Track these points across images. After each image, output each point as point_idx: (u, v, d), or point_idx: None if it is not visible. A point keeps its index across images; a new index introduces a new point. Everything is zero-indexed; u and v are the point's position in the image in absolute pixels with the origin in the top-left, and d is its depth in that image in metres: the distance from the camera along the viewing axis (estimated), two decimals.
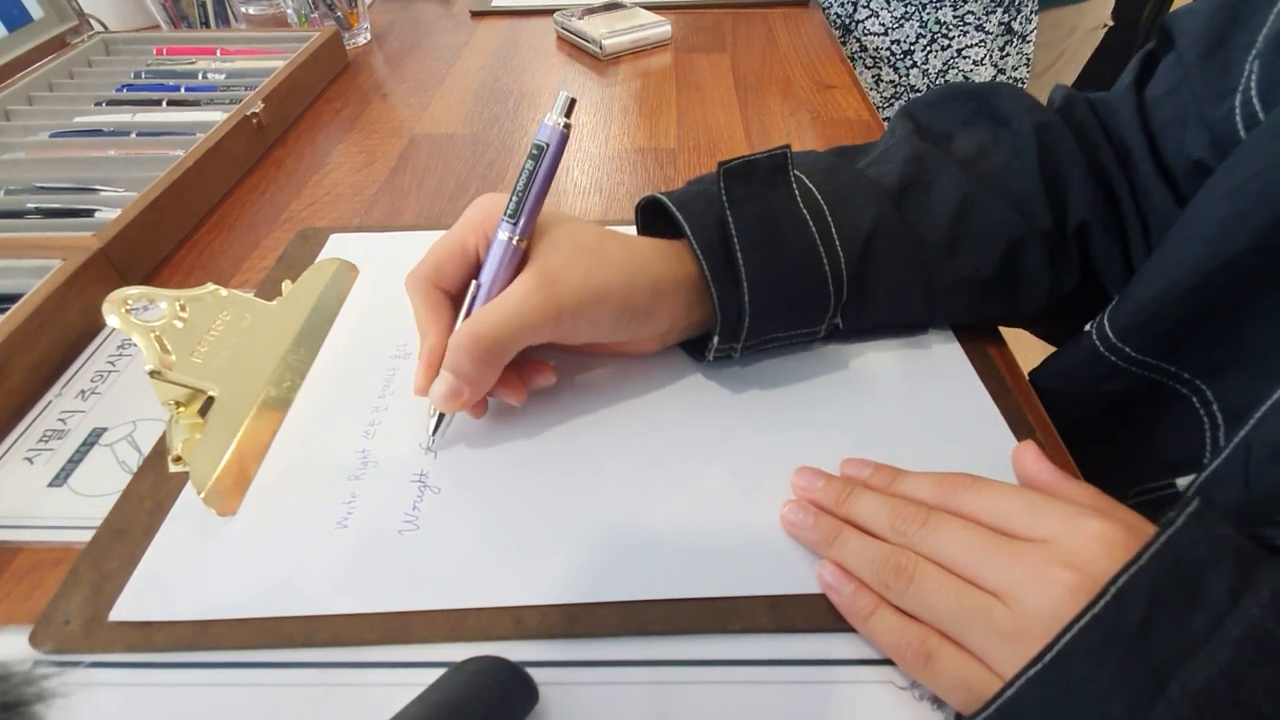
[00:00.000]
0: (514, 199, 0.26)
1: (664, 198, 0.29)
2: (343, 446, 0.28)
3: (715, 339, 0.28)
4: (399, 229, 0.41)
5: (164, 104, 0.52)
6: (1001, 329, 0.34)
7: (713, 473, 0.27)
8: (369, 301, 0.36)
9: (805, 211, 0.28)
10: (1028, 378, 0.32)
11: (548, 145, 0.26)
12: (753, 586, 0.23)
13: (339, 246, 0.39)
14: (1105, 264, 0.32)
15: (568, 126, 0.26)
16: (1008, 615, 0.19)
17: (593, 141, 0.52)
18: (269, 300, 0.33)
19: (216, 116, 0.48)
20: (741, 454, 0.28)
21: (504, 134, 0.53)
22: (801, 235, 0.28)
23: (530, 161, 0.26)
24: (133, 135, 0.48)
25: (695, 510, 0.26)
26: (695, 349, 0.31)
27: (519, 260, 0.26)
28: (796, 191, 0.29)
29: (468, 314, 0.27)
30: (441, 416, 0.28)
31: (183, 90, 0.54)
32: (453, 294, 0.28)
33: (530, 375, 0.29)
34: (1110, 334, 0.29)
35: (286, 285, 0.35)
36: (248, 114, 0.48)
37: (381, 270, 0.38)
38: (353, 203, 0.45)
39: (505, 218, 0.26)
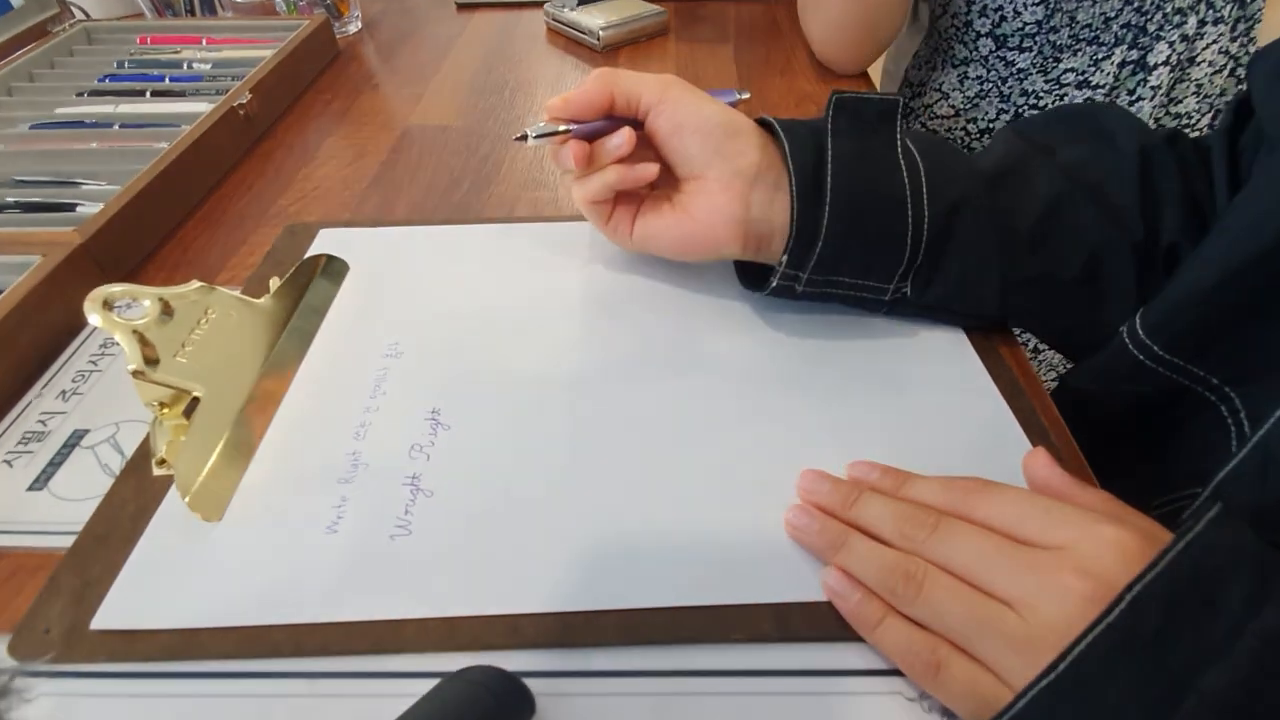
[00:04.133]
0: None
1: (769, 119, 0.31)
2: (333, 448, 0.28)
3: (784, 259, 0.29)
4: (391, 224, 0.41)
5: (148, 95, 0.52)
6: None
7: (715, 476, 0.27)
8: (360, 299, 0.36)
9: (902, 162, 0.29)
10: (1061, 380, 0.32)
11: None
12: (756, 594, 0.23)
13: (329, 242, 0.39)
14: None
15: None
16: (1020, 624, 0.19)
17: None
18: (256, 298, 0.33)
19: (202, 108, 0.48)
20: (745, 456, 0.28)
21: (499, 127, 0.53)
22: (892, 181, 0.29)
23: None
24: (116, 127, 0.47)
25: (697, 515, 0.26)
26: (756, 280, 0.33)
27: None
28: (899, 143, 0.30)
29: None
30: (539, 130, 0.31)
31: (167, 80, 0.54)
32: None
33: (635, 162, 0.32)
34: (1140, 330, 0.29)
35: (274, 282, 0.35)
36: (234, 105, 0.48)
37: (373, 266, 0.38)
38: (343, 197, 0.45)
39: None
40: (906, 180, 0.29)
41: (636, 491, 0.26)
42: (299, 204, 0.44)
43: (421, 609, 0.23)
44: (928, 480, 0.24)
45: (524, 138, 0.32)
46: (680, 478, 0.27)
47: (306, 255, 0.38)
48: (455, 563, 0.24)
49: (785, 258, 0.29)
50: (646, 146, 0.32)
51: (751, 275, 0.33)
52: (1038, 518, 0.21)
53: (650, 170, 0.32)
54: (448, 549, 0.25)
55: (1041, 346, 0.66)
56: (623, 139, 0.31)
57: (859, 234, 0.29)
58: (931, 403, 0.29)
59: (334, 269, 0.37)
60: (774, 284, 0.31)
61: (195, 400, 0.28)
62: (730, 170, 0.30)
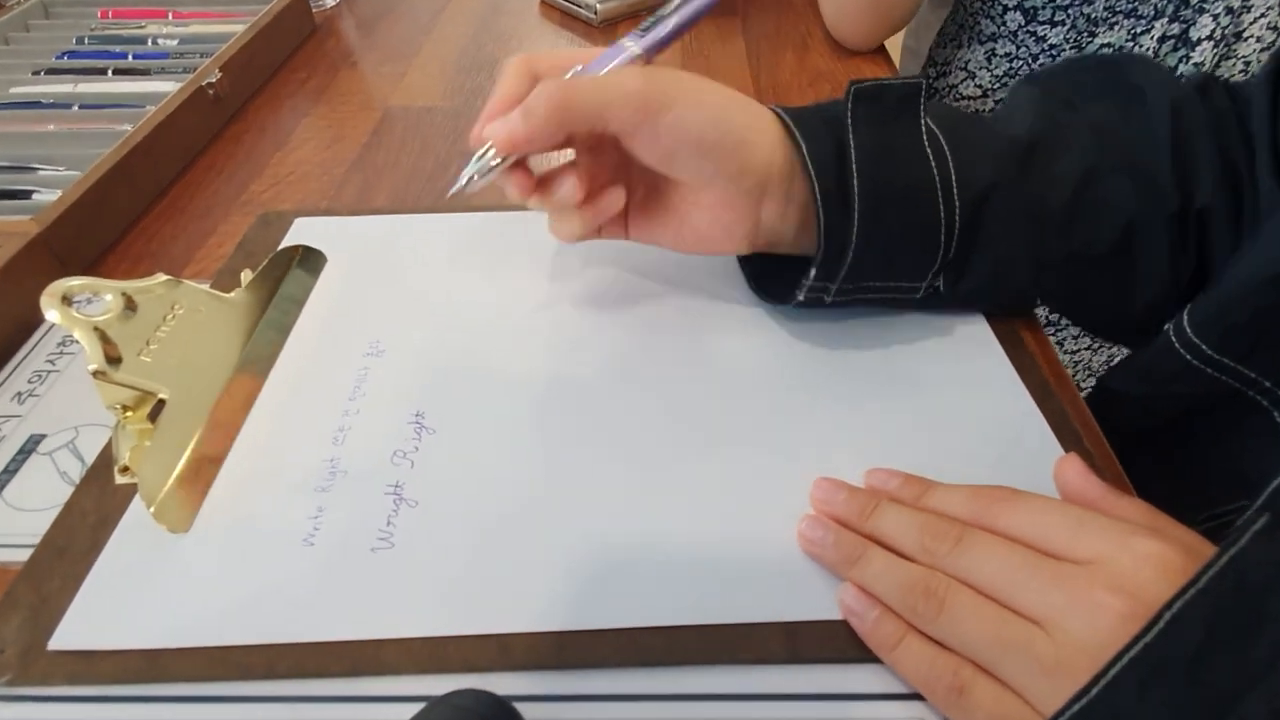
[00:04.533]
0: (652, 19, 0.27)
1: (779, 109, 0.30)
2: (309, 454, 0.28)
3: (813, 271, 0.29)
4: (371, 213, 0.41)
5: (109, 73, 0.52)
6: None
7: (722, 484, 0.27)
8: (339, 293, 0.36)
9: (929, 149, 0.29)
10: (1098, 382, 0.32)
11: None
12: (764, 612, 0.23)
13: (305, 232, 0.39)
14: (1219, 259, 0.32)
15: None
16: (1049, 645, 0.19)
17: None
18: (227, 292, 0.33)
19: (168, 87, 0.48)
20: (754, 463, 0.28)
21: None
22: (922, 173, 0.29)
23: None
24: (75, 108, 0.47)
25: (702, 527, 0.26)
26: (779, 291, 0.32)
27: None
28: (923, 127, 0.29)
29: None
30: (484, 170, 0.28)
31: (130, 58, 0.54)
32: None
33: (599, 194, 0.30)
34: (1187, 328, 0.29)
35: (246, 275, 0.35)
36: (203, 84, 0.48)
37: (352, 258, 0.38)
38: (320, 183, 0.45)
39: (636, 30, 0.28)
40: (935, 170, 0.29)
41: (637, 501, 0.26)
42: (272, 191, 0.44)
43: (404, 628, 0.23)
44: (951, 489, 0.24)
45: (469, 182, 0.28)
46: (684, 487, 0.27)
47: (281, 246, 0.38)
48: (441, 578, 0.24)
49: (814, 270, 0.29)
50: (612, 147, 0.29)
51: (767, 280, 0.33)
52: (1069, 529, 0.21)
53: (617, 202, 0.30)
54: (432, 563, 0.25)
55: (1073, 346, 0.66)
56: (569, 190, 0.28)
57: (890, 235, 0.29)
58: (954, 404, 0.29)
59: (310, 261, 0.37)
60: (800, 298, 0.30)
61: (161, 402, 0.28)
62: (736, 190, 0.29)
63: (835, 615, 0.23)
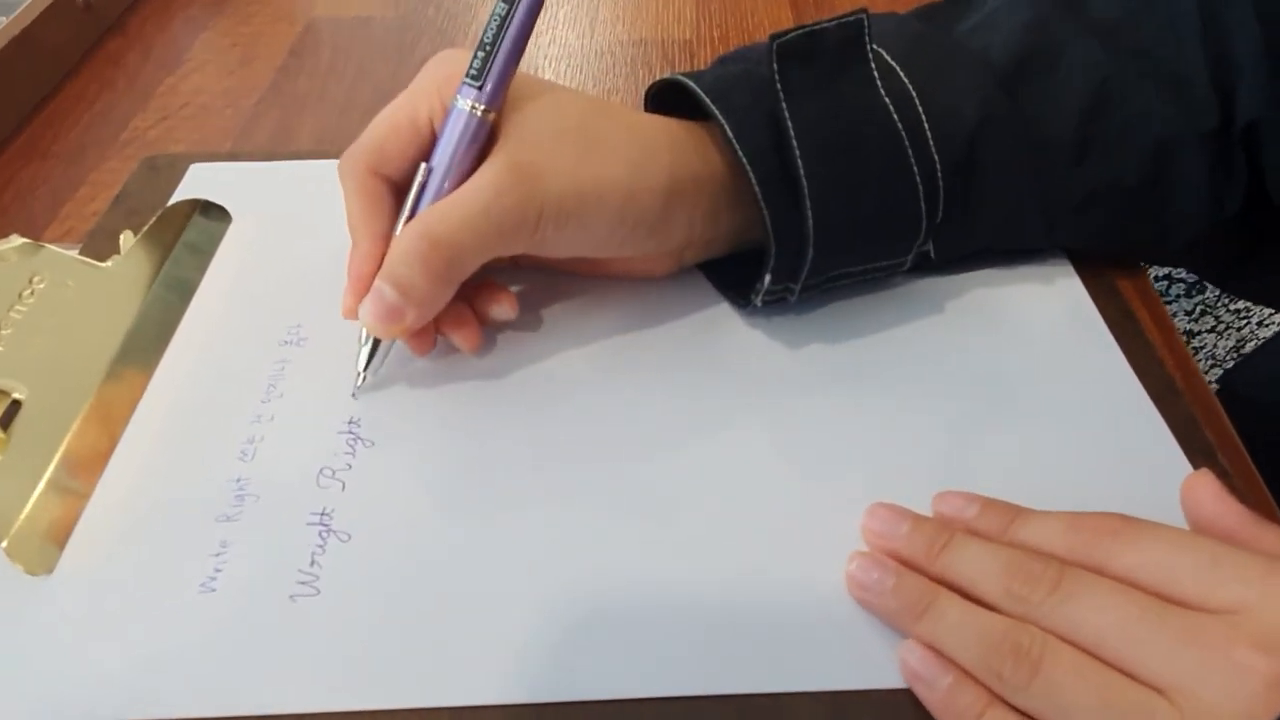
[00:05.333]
0: (479, 54, 0.27)
1: (689, 81, 0.30)
2: (209, 473, 0.28)
3: (767, 278, 0.30)
4: (290, 157, 0.41)
5: None
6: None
7: (743, 515, 0.27)
8: (247, 263, 0.35)
9: (889, 101, 0.29)
10: (1223, 383, 0.32)
11: None
12: (803, 679, 0.23)
13: (203, 182, 0.39)
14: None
15: None
16: (1176, 719, 0.19)
17: (571, 30, 0.51)
18: (102, 260, 0.33)
19: None
20: (785, 485, 0.28)
21: (443, 18, 0.52)
22: (884, 134, 0.29)
23: (503, 3, 0.27)
24: None
25: (717, 569, 0.25)
26: (734, 290, 0.33)
27: (485, 138, 0.28)
28: (876, 73, 0.30)
29: (414, 210, 0.29)
30: (376, 346, 0.29)
31: None
32: (398, 183, 0.30)
33: (485, 305, 0.31)
34: None
35: (127, 238, 0.35)
36: None
37: (266, 218, 0.37)
38: (223, 119, 0.45)
39: (467, 80, 0.27)
40: (900, 125, 0.29)
41: (630, 536, 0.26)
42: (161, 128, 0.44)
43: (332, 699, 0.23)
44: (1046, 517, 0.24)
45: (365, 374, 0.30)
46: (693, 518, 0.27)
47: (172, 200, 0.38)
48: (380, 634, 0.24)
49: (767, 279, 0.30)
50: None
51: (727, 275, 0.34)
52: (1202, 570, 0.21)
53: (510, 313, 0.32)
54: (369, 614, 0.24)
55: (1189, 323, 0.66)
56: (473, 344, 0.31)
57: (857, 219, 0.29)
58: (1046, 405, 0.29)
59: (211, 221, 0.37)
60: (757, 303, 0.31)
61: (16, 404, 0.28)
62: (660, 250, 0.31)
63: (896, 683, 0.23)
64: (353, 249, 0.29)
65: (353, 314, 0.28)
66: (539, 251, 0.29)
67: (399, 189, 0.29)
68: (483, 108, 0.27)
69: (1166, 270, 0.66)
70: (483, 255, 0.28)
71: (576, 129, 0.29)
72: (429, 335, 0.30)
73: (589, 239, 0.29)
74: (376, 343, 0.29)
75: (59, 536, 0.26)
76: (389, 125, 0.29)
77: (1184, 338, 0.65)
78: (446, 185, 0.28)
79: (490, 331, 0.32)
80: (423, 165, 0.28)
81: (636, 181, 0.29)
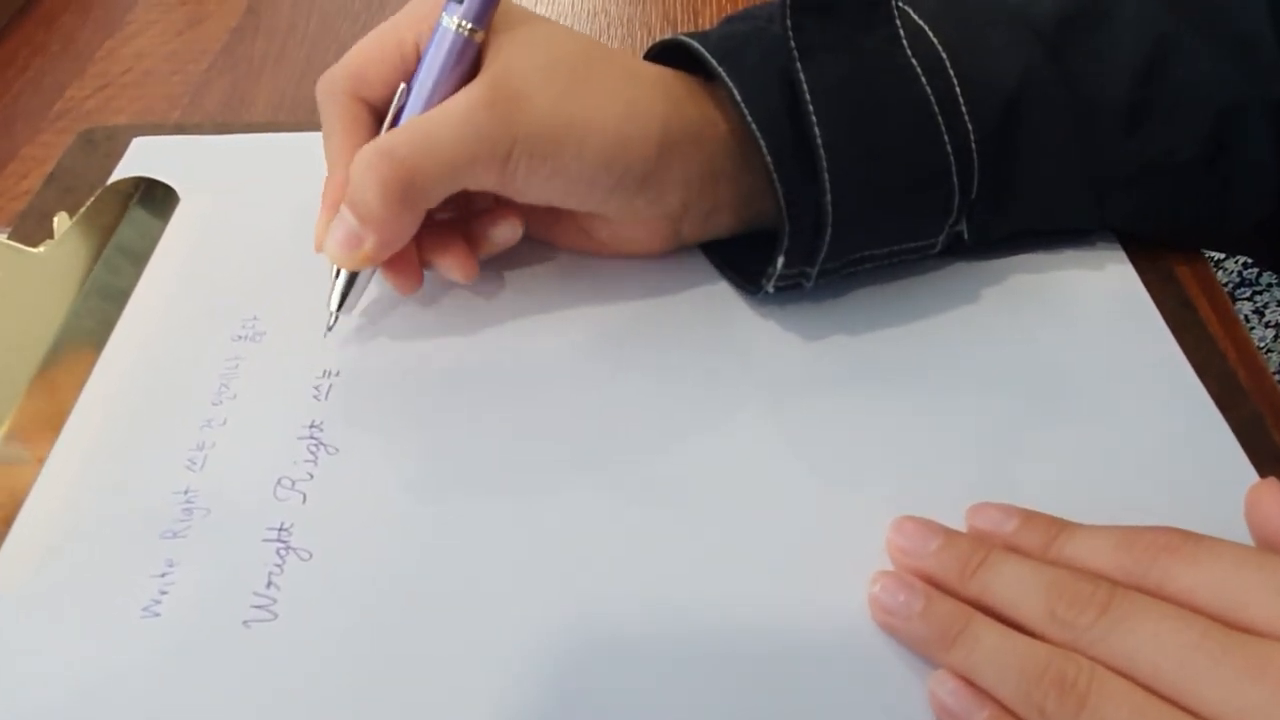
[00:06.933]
0: None
1: (692, 42, 0.30)
2: (154, 484, 0.27)
3: (780, 260, 0.29)
4: (244, 129, 0.41)
5: None
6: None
7: (753, 532, 0.26)
8: (197, 249, 0.35)
9: (916, 63, 0.29)
10: None
11: None
12: (822, 716, 0.22)
13: (147, 158, 0.39)
14: None
15: None
16: None
17: None
18: (33, 245, 0.33)
19: None
20: (798, 496, 0.27)
21: None
22: (911, 99, 0.29)
23: None
24: None
25: (723, 594, 0.25)
26: (742, 273, 0.33)
27: (471, 60, 0.28)
28: (902, 32, 0.29)
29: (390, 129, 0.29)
30: (351, 281, 0.30)
31: None
32: (380, 110, 0.30)
33: (484, 227, 0.31)
34: None
35: (62, 221, 0.34)
36: None
37: (217, 197, 0.37)
38: (169, 86, 0.44)
39: None
40: (930, 90, 0.29)
41: (625, 556, 0.26)
42: (100, 96, 0.44)
43: None
44: (1095, 532, 0.24)
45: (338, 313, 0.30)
46: (697, 535, 0.26)
47: (113, 178, 0.37)
48: (343, 663, 0.23)
49: (780, 262, 0.30)
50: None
51: (738, 258, 0.33)
52: (1271, 591, 0.20)
53: (514, 234, 0.31)
54: (332, 641, 0.24)
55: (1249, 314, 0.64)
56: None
57: (881, 195, 0.29)
58: (1093, 406, 0.29)
59: (156, 200, 0.36)
60: (769, 288, 0.31)
61: None
62: (651, 214, 0.31)
63: (925, 718, 0.22)
64: (328, 176, 0.30)
65: (323, 246, 0.29)
66: (511, 193, 0.29)
67: (380, 116, 0.30)
68: (469, 25, 0.27)
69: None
70: (447, 182, 0.28)
71: (567, 63, 0.29)
72: (410, 269, 0.30)
73: (568, 186, 0.29)
74: (352, 280, 0.30)
75: None
76: (374, 48, 0.30)
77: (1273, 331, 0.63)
78: (424, 108, 0.28)
79: (469, 322, 0.32)
80: (401, 85, 0.29)
81: (626, 127, 0.28)
